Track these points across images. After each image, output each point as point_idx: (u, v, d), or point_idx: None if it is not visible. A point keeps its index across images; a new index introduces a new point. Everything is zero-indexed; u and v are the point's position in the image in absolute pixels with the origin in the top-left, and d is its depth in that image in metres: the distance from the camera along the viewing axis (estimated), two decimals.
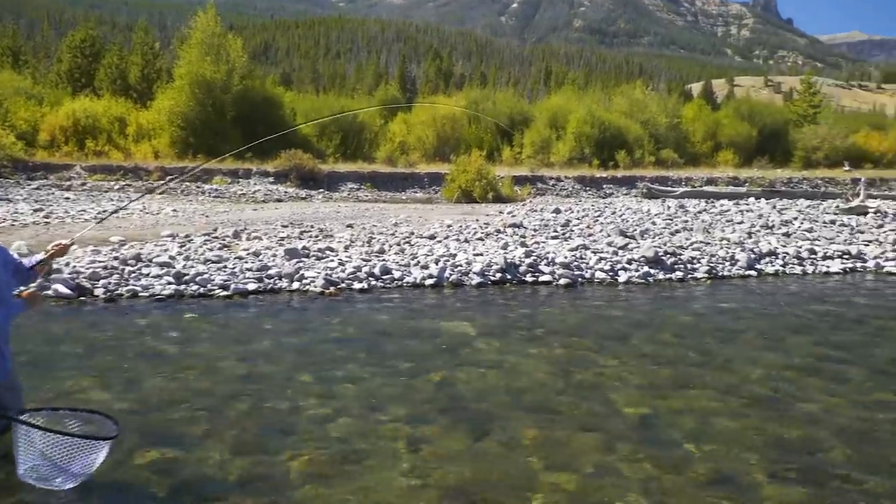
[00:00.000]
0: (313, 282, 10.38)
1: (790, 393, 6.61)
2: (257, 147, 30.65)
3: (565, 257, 12.07)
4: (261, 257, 11.45)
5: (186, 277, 10.09)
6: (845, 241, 15.23)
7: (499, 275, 11.26)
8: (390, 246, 12.91)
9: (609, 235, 14.47)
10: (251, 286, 10.04)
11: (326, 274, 10.64)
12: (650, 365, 7.34)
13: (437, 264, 11.39)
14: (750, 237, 14.97)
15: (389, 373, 6.88)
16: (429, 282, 10.83)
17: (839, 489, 4.77)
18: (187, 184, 26.23)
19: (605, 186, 29.43)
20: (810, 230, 16.26)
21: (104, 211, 17.99)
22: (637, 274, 11.84)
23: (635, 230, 15.34)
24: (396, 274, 10.97)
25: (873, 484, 4.85)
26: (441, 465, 5.00)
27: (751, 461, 5.15)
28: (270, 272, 10.55)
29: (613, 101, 42.13)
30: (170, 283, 9.93)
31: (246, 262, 11.04)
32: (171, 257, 11.13)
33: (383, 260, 11.63)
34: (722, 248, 13.61)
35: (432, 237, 14.08)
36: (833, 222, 17.72)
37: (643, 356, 7.64)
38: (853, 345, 8.27)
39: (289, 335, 8.06)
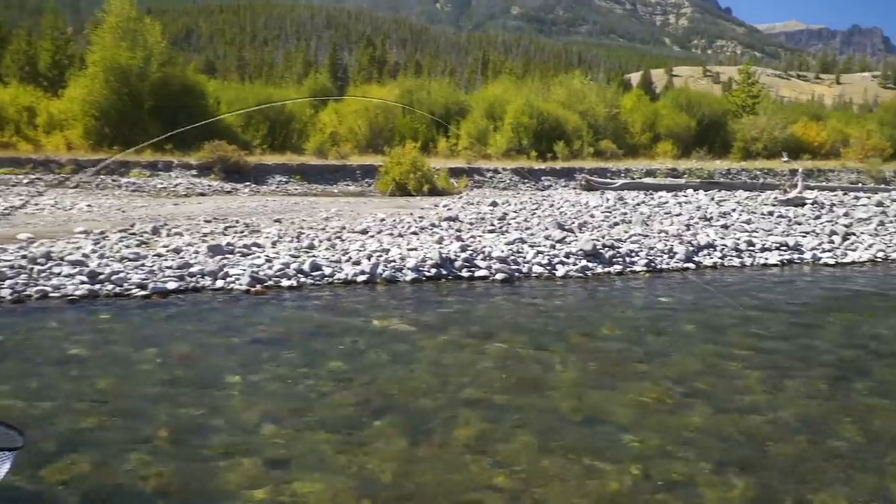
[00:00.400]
0: (238, 279, 10.24)
1: (730, 386, 6.76)
2: (179, 138, 30.08)
3: (502, 251, 12.13)
4: (182, 254, 11.25)
5: (101, 276, 9.86)
6: (783, 232, 15.64)
7: (434, 270, 11.26)
8: (320, 241, 12.81)
9: (547, 229, 14.60)
10: (171, 285, 9.86)
11: (253, 271, 10.51)
12: (589, 360, 7.43)
13: (369, 260, 11.35)
14: (688, 229, 15.26)
15: (320, 373, 6.83)
16: (361, 278, 10.78)
17: (781, 482, 4.89)
18: (103, 177, 25.63)
19: (543, 178, 29.67)
20: (748, 222, 16.66)
21: (12, 207, 17.48)
22: (575, 268, 11.97)
23: (573, 223, 15.52)
24: (327, 270, 10.90)
25: (814, 476, 4.99)
26: (376, 467, 4.98)
27: (692, 456, 5.25)
28: (192, 270, 10.37)
29: (552, 91, 42.50)
30: (83, 283, 9.69)
31: (166, 260, 10.84)
32: (85, 255, 10.86)
33: (313, 256, 11.54)
34: (660, 240, 13.85)
35: (365, 232, 14.02)
36: (771, 214, 18.18)
37: (581, 351, 7.74)
38: (792, 336, 8.50)
39: (212, 336, 7.94)
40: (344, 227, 14.47)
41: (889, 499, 4.70)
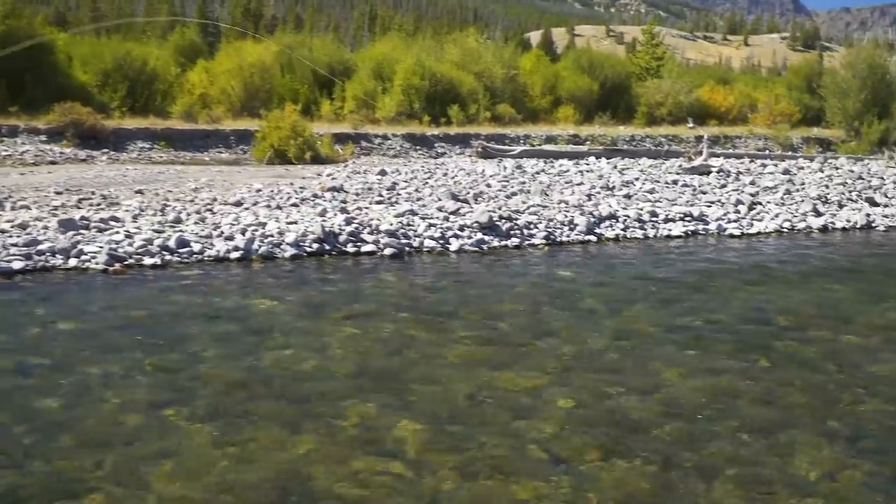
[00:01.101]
0: (94, 258, 9.94)
1: (632, 363, 6.97)
2: (26, 100, 28.79)
3: (391, 224, 12.14)
4: (29, 230, 10.84)
5: None
6: (688, 202, 16.14)
7: (316, 245, 11.20)
8: (189, 214, 12.55)
9: (440, 199, 14.67)
10: (17, 264, 9.50)
11: (111, 248, 10.22)
12: (484, 339, 7.54)
13: (243, 235, 11.19)
14: (590, 199, 15.59)
15: (187, 360, 6.71)
16: (234, 255, 10.63)
17: (681, 463, 5.07)
18: None
19: (436, 145, 29.75)
20: (652, 191, 17.12)
21: None
22: (470, 241, 12.08)
23: (468, 193, 15.64)
24: (196, 247, 10.69)
25: (710, 456, 5.20)
26: (252, 460, 4.94)
27: (586, 439, 5.39)
28: (41, 248, 10.01)
29: (445, 50, 42.46)
30: None
31: (10, 237, 10.43)
32: None
33: (180, 231, 11.29)
34: (561, 211, 14.10)
35: (239, 204, 13.81)
36: (676, 183, 18.73)
37: (476, 330, 7.84)
38: (695, 311, 8.81)
39: (64, 321, 7.69)
40: (215, 199, 14.21)
41: (790, 482, 4.94)
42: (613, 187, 17.49)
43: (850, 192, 18.70)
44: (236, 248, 10.77)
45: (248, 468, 4.86)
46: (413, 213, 13.10)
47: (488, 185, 17.22)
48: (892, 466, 5.08)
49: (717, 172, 21.06)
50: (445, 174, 19.45)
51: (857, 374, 6.85)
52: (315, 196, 14.80)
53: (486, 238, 12.33)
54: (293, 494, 4.61)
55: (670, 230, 13.99)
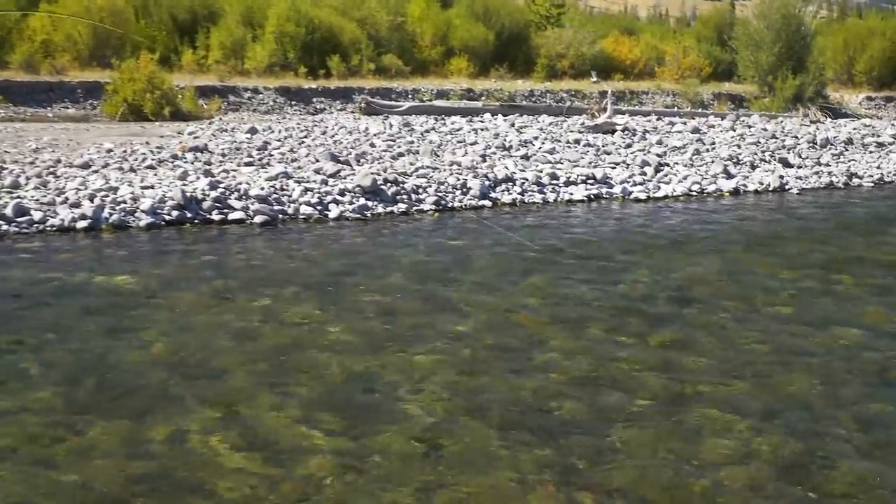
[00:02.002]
0: None
1: (524, 340, 7.06)
2: None
3: (262, 189, 11.98)
4: None
5: None
6: (590, 163, 16.37)
7: (176, 213, 10.99)
8: (28, 178, 12.12)
9: (318, 161, 14.51)
10: None
11: None
12: (366, 316, 7.52)
13: (92, 202, 10.88)
14: (484, 161, 15.65)
15: (22, 347, 6.51)
16: (81, 224, 10.35)
17: (574, 447, 5.15)
18: None
19: (315, 100, 29.42)
20: (552, 152, 17.29)
21: None
22: (352, 207, 12.03)
23: (350, 154, 15.52)
24: (36, 215, 10.38)
25: (611, 437, 5.30)
26: (96, 459, 4.82)
27: (477, 421, 5.43)
28: None
29: None
30: None
31: None
32: None
33: (18, 197, 10.91)
34: (452, 174, 14.13)
35: (86, 166, 13.40)
36: (578, 142, 18.93)
37: (357, 306, 7.82)
38: (595, 281, 8.97)
39: None
40: (59, 161, 13.76)
41: (699, 462, 5.07)
42: (510, 147, 17.60)
43: (762, 152, 19.24)
44: (83, 217, 10.49)
45: (89, 468, 4.74)
46: (287, 176, 12.94)
47: (372, 145, 17.12)
48: (805, 442, 5.27)
49: (622, 131, 21.38)
50: (324, 133, 19.25)
51: (768, 346, 7.07)
52: (175, 157, 14.48)
53: (370, 204, 12.29)
54: (141, 496, 4.51)
55: (572, 194, 14.17)
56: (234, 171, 13.41)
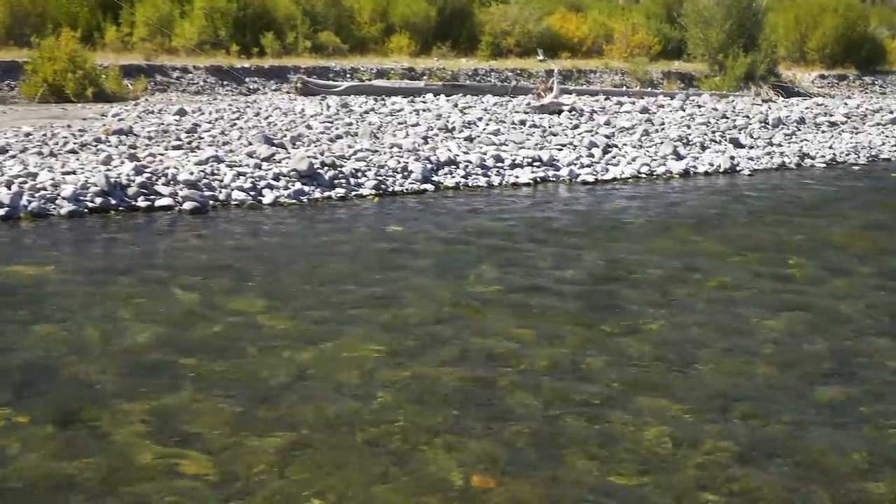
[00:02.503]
0: None
1: (470, 329, 7.09)
2: None
3: (192, 174, 11.86)
4: None
5: None
6: (536, 145, 16.42)
7: (99, 200, 10.85)
8: None
9: (251, 144, 14.40)
10: None
11: None
12: (302, 307, 7.52)
13: (9, 189, 10.71)
14: (426, 143, 15.64)
15: None
16: None
17: (527, 438, 5.19)
18: None
19: (247, 80, 29.17)
20: (497, 133, 17.31)
21: None
22: (287, 192, 11.96)
23: (285, 136, 15.42)
24: None
25: (559, 430, 5.35)
26: (14, 459, 4.76)
27: (421, 412, 5.46)
28: None
29: None
30: None
31: None
32: None
33: None
34: (393, 157, 14.11)
35: (3, 151, 13.14)
36: (523, 123, 18.98)
37: (293, 295, 7.81)
38: (542, 268, 9.05)
39: None
40: None
41: (630, 458, 5.13)
42: (453, 129, 17.59)
43: (713, 132, 19.45)
44: (0, 205, 10.32)
45: (7, 469, 4.68)
46: (218, 159, 12.83)
47: (309, 127, 17.01)
48: (756, 430, 5.36)
49: (569, 111, 21.49)
50: (258, 114, 19.10)
51: (719, 332, 7.18)
52: (98, 141, 14.27)
53: (307, 188, 12.23)
54: (65, 494, 4.46)
55: (517, 177, 14.22)
56: (161, 155, 13.25)
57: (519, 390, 5.90)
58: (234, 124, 17.06)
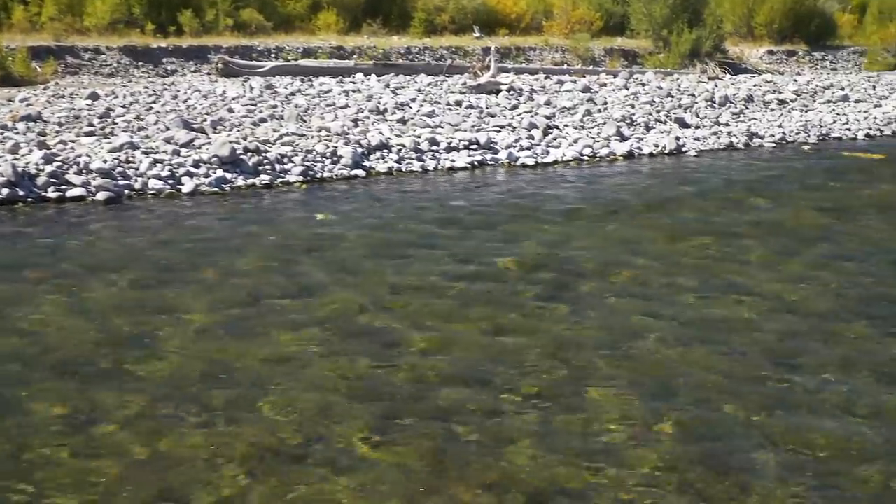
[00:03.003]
0: None
1: (399, 324, 7.10)
2: None
3: (105, 162, 11.73)
4: None
5: None
6: (473, 127, 16.47)
7: (6, 191, 10.68)
8: None
9: (168, 129, 14.26)
10: None
11: None
12: (222, 302, 7.50)
13: None
14: (357, 126, 15.60)
15: None
16: None
17: (456, 436, 5.22)
18: None
19: (165, 61, 28.86)
20: (432, 115, 17.32)
21: None
22: (208, 180, 11.89)
23: (205, 121, 15.29)
24: None
25: (498, 426, 5.38)
26: None
27: (346, 412, 5.47)
28: None
29: None
30: None
31: None
32: None
33: None
34: (321, 141, 14.06)
35: None
36: (459, 104, 19.01)
37: (214, 290, 7.79)
38: (476, 257, 9.08)
39: None
40: None
41: (572, 456, 5.17)
42: (385, 111, 17.58)
43: (658, 112, 19.65)
44: None
45: None
46: (133, 146, 12.69)
47: (231, 110, 16.90)
48: (704, 423, 5.43)
49: (508, 91, 21.56)
50: (176, 97, 18.90)
51: (665, 321, 7.27)
52: (4, 128, 14.04)
53: (229, 176, 12.15)
54: None
55: (454, 161, 14.25)
56: (72, 142, 13.07)
57: (450, 387, 5.92)
58: (151, 108, 16.88)
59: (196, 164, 12.26)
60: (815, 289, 8.25)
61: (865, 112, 21.94)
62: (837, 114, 21.53)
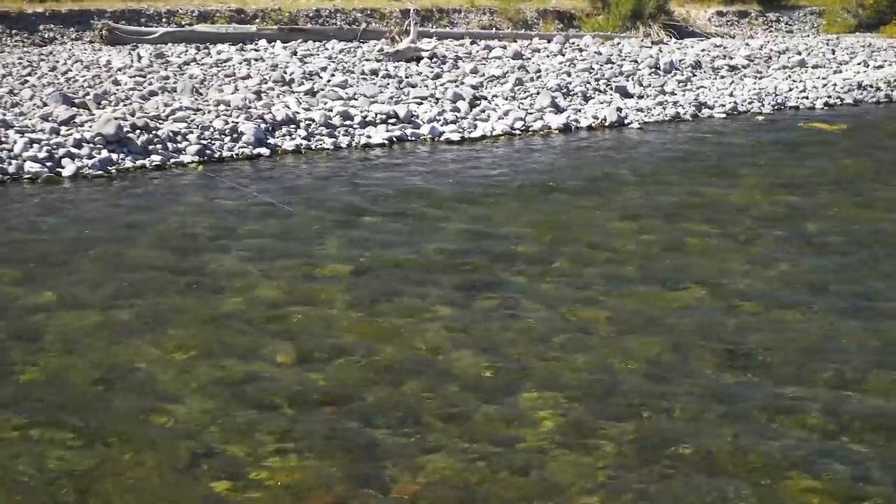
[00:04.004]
0: None
1: (310, 319, 7.08)
2: None
3: None
4: None
5: None
6: (391, 99, 16.46)
7: None
8: None
9: (46, 105, 14.11)
10: None
11: None
12: (110, 296, 7.45)
13: None
14: (260, 99, 15.53)
15: None
16: None
17: (375, 440, 5.22)
18: None
19: (41, 28, 28.46)
20: (344, 85, 17.30)
21: None
22: (91, 162, 11.79)
23: (88, 95, 15.14)
24: None
25: (416, 426, 5.38)
26: None
27: (250, 419, 5.44)
28: None
29: None
30: None
31: None
32: None
33: None
34: (220, 116, 13.96)
35: None
36: (375, 73, 19.01)
37: (99, 285, 7.72)
38: (398, 243, 9.08)
39: None
40: None
41: (504, 459, 5.20)
42: (292, 81, 17.53)
43: (597, 80, 19.83)
44: None
45: None
46: (6, 124, 12.55)
47: (116, 83, 16.76)
48: (650, 422, 5.48)
49: (430, 58, 21.58)
50: (54, 69, 18.72)
51: (606, 310, 7.31)
52: None
53: (115, 157, 12.06)
54: None
55: (370, 137, 14.25)
56: None
57: (369, 386, 5.92)
58: (26, 81, 16.74)
59: (78, 145, 12.13)
60: (769, 275, 8.32)
61: (824, 79, 22.33)
62: (794, 81, 21.89)
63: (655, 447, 5.23)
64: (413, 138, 14.55)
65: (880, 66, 24.66)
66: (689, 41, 29.51)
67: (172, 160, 12.36)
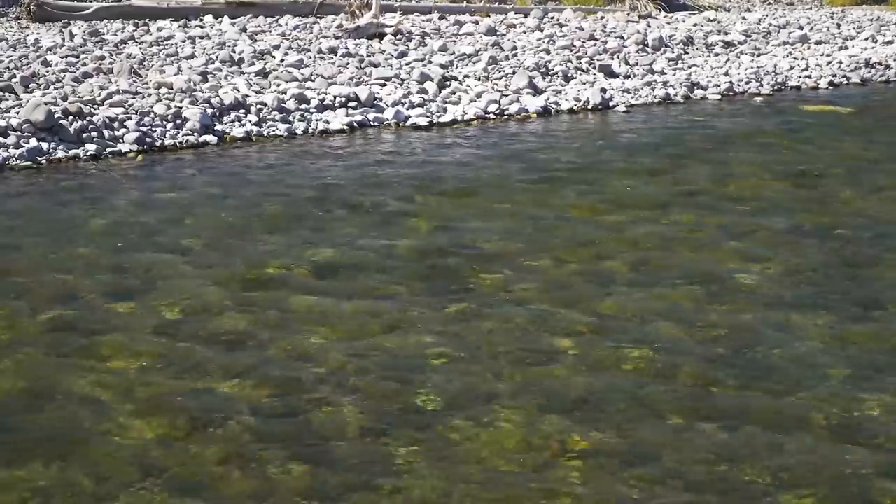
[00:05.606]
0: None
1: (263, 325, 7.11)
2: None
3: None
4: None
5: None
6: (352, 80, 16.43)
7: None
8: None
9: None
10: None
11: None
12: (35, 304, 7.43)
13: None
14: (206, 81, 15.48)
15: None
16: None
17: (335, 455, 5.25)
18: None
19: None
20: (299, 65, 17.25)
21: None
22: (19, 152, 11.73)
23: (14, 77, 15.08)
24: None
25: (379, 443, 5.42)
26: None
27: (201, 433, 5.48)
28: None
29: None
30: None
31: None
32: None
33: None
34: (161, 100, 13.93)
35: None
36: (334, 51, 18.96)
37: (28, 289, 7.72)
38: (356, 240, 9.14)
39: None
40: None
41: (460, 476, 5.24)
42: (242, 61, 17.48)
43: (579, 59, 19.79)
44: None
45: None
46: None
47: (46, 64, 16.67)
48: (630, 433, 5.53)
49: (394, 35, 21.57)
50: None
51: (589, 312, 7.36)
52: None
53: (45, 146, 12.00)
54: None
55: (328, 122, 14.23)
56: None
57: (327, 400, 5.95)
58: None
59: (3, 133, 12.06)
60: (770, 271, 8.38)
61: (829, 56, 22.35)
62: (795, 58, 21.90)
63: (633, 458, 5.28)
64: (376, 123, 14.53)
65: (889, 42, 24.67)
66: (680, 15, 29.42)
67: (109, 149, 12.30)
